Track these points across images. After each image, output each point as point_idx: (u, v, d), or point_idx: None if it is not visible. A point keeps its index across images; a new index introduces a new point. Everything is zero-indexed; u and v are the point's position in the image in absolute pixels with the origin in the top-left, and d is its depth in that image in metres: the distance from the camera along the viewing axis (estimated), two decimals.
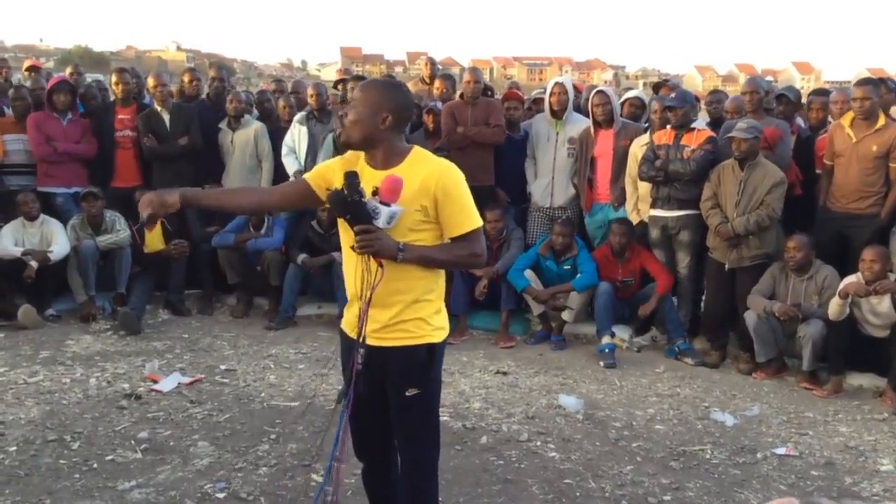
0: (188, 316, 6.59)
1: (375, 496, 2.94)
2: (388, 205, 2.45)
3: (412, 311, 2.58)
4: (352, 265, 2.62)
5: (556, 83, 6.57)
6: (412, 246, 2.52)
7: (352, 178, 2.47)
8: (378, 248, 2.46)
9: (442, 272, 2.67)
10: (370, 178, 2.53)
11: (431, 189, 2.51)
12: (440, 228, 2.59)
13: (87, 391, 4.76)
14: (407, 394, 2.61)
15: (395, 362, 2.61)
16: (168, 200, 2.62)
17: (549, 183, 6.48)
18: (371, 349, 2.61)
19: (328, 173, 2.68)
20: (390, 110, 2.53)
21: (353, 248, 2.52)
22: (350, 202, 2.44)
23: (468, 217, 2.57)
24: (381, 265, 2.52)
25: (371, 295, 2.55)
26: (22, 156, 6.77)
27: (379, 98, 2.55)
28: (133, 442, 4.04)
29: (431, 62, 8.65)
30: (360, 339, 2.61)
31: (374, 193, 2.47)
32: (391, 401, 2.67)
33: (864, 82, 5.75)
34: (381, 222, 2.45)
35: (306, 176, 2.78)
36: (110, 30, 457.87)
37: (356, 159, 2.65)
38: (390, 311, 2.58)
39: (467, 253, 2.59)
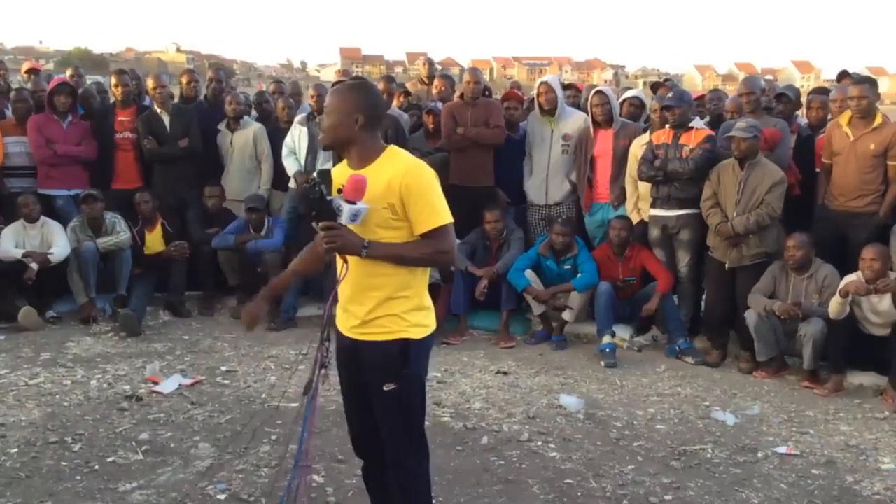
0: (189, 317, 6.59)
1: (376, 494, 2.95)
2: (352, 203, 2.50)
3: (386, 308, 2.63)
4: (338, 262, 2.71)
5: (541, 83, 6.58)
6: (378, 243, 2.56)
7: (321, 175, 2.55)
8: (341, 245, 2.52)
9: (418, 269, 2.69)
10: (346, 177, 2.59)
11: (396, 188, 2.55)
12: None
13: (88, 393, 4.76)
14: (384, 389, 2.64)
15: (370, 357, 2.67)
16: (265, 306, 3.08)
17: (543, 180, 6.48)
18: (350, 344, 2.70)
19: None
20: (361, 111, 2.60)
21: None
22: (313, 199, 2.51)
23: (433, 214, 2.58)
24: (345, 261, 2.60)
25: (336, 290, 2.64)
26: (23, 158, 6.76)
27: (350, 100, 2.63)
28: (134, 443, 4.04)
29: (429, 62, 8.67)
30: (325, 334, 2.70)
31: (340, 191, 2.54)
32: (372, 397, 2.70)
33: (860, 80, 5.77)
34: (344, 219, 2.50)
35: None
36: (110, 31, 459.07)
37: (342, 164, 2.75)
38: (365, 307, 2.64)
39: (434, 250, 2.61)
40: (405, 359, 2.63)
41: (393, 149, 2.68)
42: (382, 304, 2.63)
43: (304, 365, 5.33)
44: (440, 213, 2.60)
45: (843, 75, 6.79)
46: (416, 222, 2.58)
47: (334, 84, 8.16)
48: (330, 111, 2.67)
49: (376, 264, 2.58)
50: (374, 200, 2.53)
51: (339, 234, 2.51)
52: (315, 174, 2.61)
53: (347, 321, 2.71)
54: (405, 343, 2.63)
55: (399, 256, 2.60)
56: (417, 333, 2.66)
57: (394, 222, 2.58)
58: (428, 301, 2.74)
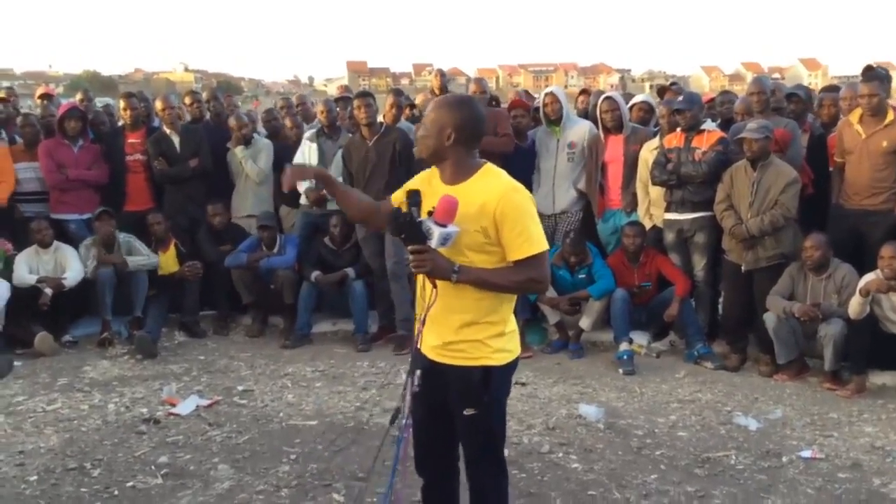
0: (204, 337, 6.58)
1: None
2: (443, 225, 2.42)
3: (471, 332, 2.58)
4: (420, 283, 2.65)
5: (547, 93, 6.54)
6: (468, 268, 2.49)
7: (412, 197, 2.48)
8: (431, 269, 2.45)
9: (507, 296, 2.63)
10: (437, 194, 2.52)
11: (491, 211, 2.47)
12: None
13: (106, 417, 4.75)
14: (464, 413, 2.60)
15: (451, 381, 2.62)
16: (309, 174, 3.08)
17: (550, 189, 6.41)
18: (432, 365, 2.64)
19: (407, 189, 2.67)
20: (454, 127, 2.54)
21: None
22: (402, 222, 2.44)
23: (527, 241, 2.50)
24: (434, 286, 2.53)
25: (426, 315, 2.57)
26: (34, 184, 6.79)
27: (444, 115, 2.56)
28: (153, 467, 4.03)
29: (441, 73, 8.51)
30: (416, 361, 2.61)
31: (430, 213, 2.46)
32: (453, 417, 2.66)
33: (869, 78, 5.70)
34: (434, 243, 2.43)
35: (393, 196, 2.78)
36: (118, 53, 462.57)
37: (433, 173, 2.67)
38: (448, 329, 2.59)
39: (525, 278, 2.53)
40: (485, 386, 2.58)
41: (489, 168, 2.60)
42: (466, 329, 2.57)
43: (321, 382, 5.34)
44: (535, 241, 2.51)
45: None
46: (510, 249, 2.51)
47: (335, 100, 8.13)
48: (424, 123, 2.63)
49: (463, 288, 2.51)
50: (466, 222, 2.47)
51: (429, 259, 2.44)
52: (405, 195, 2.47)
53: (429, 341, 2.65)
54: (486, 370, 2.58)
55: (488, 282, 2.52)
56: (500, 360, 2.60)
57: (487, 247, 2.51)
58: (512, 325, 2.67)
